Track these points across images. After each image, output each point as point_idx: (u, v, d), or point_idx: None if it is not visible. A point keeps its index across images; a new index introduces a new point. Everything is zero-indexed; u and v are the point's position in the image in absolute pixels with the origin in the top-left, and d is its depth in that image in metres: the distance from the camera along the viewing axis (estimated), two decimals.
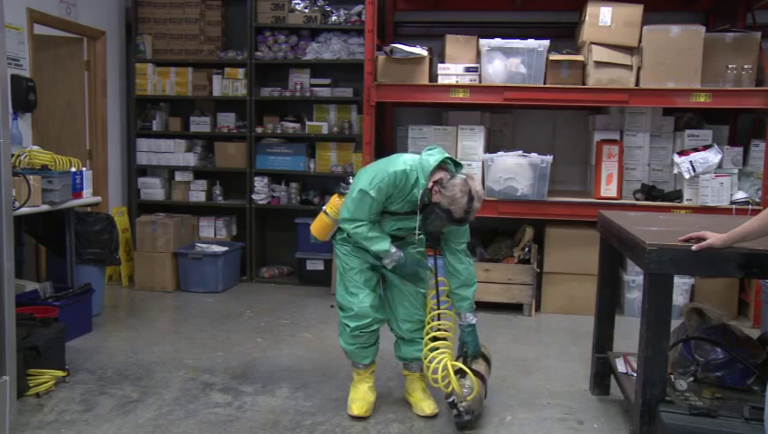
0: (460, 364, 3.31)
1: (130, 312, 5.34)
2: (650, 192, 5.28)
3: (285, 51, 6.25)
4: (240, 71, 6.25)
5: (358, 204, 3.18)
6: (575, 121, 5.97)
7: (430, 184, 3.12)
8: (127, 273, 6.11)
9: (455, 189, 3.05)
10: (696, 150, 5.14)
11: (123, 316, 5.21)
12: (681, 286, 5.18)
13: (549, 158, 5.17)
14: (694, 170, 5.07)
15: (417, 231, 3.24)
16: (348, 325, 3.36)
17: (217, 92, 6.33)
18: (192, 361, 4.19)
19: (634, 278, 5.26)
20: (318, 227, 3.48)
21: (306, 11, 6.18)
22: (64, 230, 4.69)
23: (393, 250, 3.25)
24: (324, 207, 3.46)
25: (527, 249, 5.39)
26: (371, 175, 3.17)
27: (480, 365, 3.43)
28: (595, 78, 5.07)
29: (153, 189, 6.46)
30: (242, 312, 5.31)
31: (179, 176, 6.44)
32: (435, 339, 3.37)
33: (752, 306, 5.10)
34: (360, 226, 3.20)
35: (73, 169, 4.60)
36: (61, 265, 4.75)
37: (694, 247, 2.57)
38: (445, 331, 3.43)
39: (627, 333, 4.08)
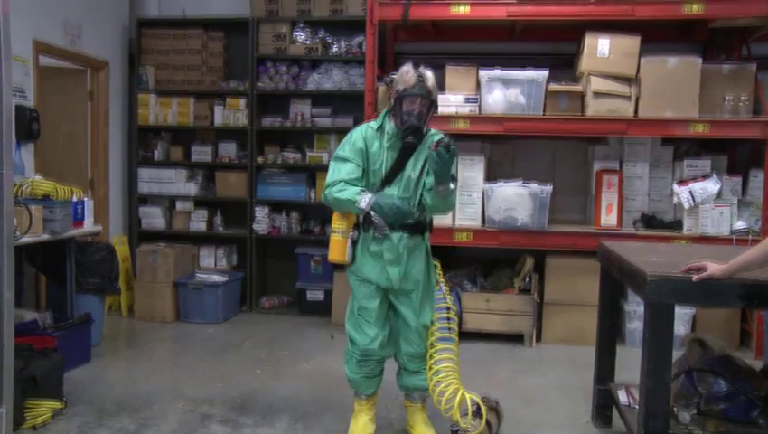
0: (477, 399, 3.30)
1: (129, 342, 5.31)
2: (650, 221, 5.28)
3: (287, 81, 6.29)
4: (242, 101, 6.28)
5: (333, 169, 3.31)
6: (574, 151, 5.96)
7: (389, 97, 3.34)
8: (127, 303, 6.09)
9: (401, 70, 3.28)
10: (695, 180, 5.14)
11: (122, 347, 5.18)
12: (683, 316, 5.14)
13: (549, 188, 5.17)
14: (693, 200, 5.07)
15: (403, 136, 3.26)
16: (355, 354, 3.38)
17: (218, 122, 6.36)
18: (191, 392, 4.15)
19: (635, 308, 5.23)
20: (333, 249, 3.39)
21: (308, 42, 6.23)
22: (64, 259, 4.68)
23: (362, 195, 3.20)
24: (332, 228, 3.43)
25: (527, 279, 5.37)
26: (339, 146, 3.37)
27: (492, 416, 3.41)
28: (594, 108, 5.09)
29: (154, 218, 6.45)
30: (242, 342, 5.27)
31: (180, 205, 6.43)
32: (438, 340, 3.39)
33: (754, 337, 5.06)
34: (334, 186, 3.25)
35: (75, 198, 4.61)
36: (61, 294, 4.73)
37: (695, 277, 2.56)
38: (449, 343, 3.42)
39: (629, 363, 4.02)
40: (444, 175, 3.11)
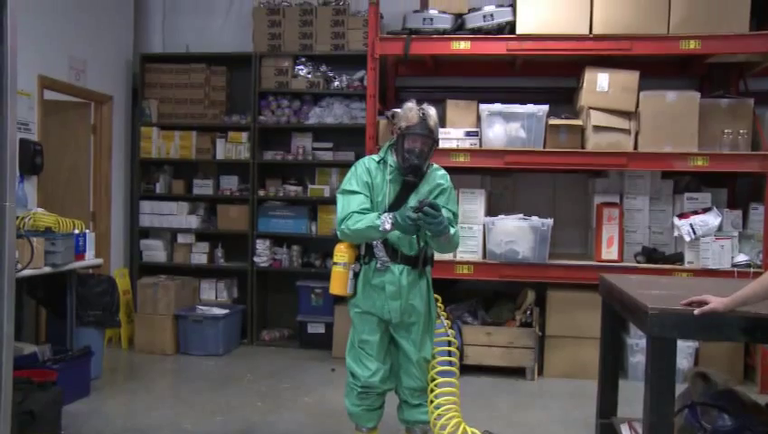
0: None
1: (129, 375, 5.27)
2: (651, 254, 5.27)
3: (288, 115, 6.33)
4: (244, 135, 6.32)
5: (343, 203, 3.29)
6: (575, 184, 5.99)
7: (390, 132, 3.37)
8: (127, 335, 6.06)
9: (404, 108, 3.32)
10: (695, 213, 5.15)
11: (122, 380, 5.14)
12: (685, 349, 5.11)
13: (550, 221, 5.17)
14: (694, 233, 5.08)
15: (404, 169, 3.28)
16: (355, 387, 3.37)
17: (220, 156, 6.39)
18: (190, 426, 4.11)
19: (637, 341, 5.20)
20: (335, 281, 3.38)
21: (309, 77, 6.28)
22: (65, 291, 4.68)
23: (382, 218, 3.17)
24: (333, 260, 3.42)
25: (528, 312, 5.34)
26: (344, 181, 3.39)
27: None
28: (594, 142, 5.12)
29: (155, 251, 6.44)
30: (242, 376, 5.23)
31: (181, 238, 6.43)
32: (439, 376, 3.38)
33: (758, 371, 5.03)
34: (349, 219, 3.22)
35: (76, 231, 4.62)
36: (61, 327, 4.71)
37: (696, 311, 2.54)
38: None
39: (632, 398, 4.00)
40: (440, 230, 3.13)
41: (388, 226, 3.13)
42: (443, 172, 3.46)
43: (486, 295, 5.80)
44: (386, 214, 3.17)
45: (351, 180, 3.34)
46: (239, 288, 6.52)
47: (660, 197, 5.45)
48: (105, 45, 6.20)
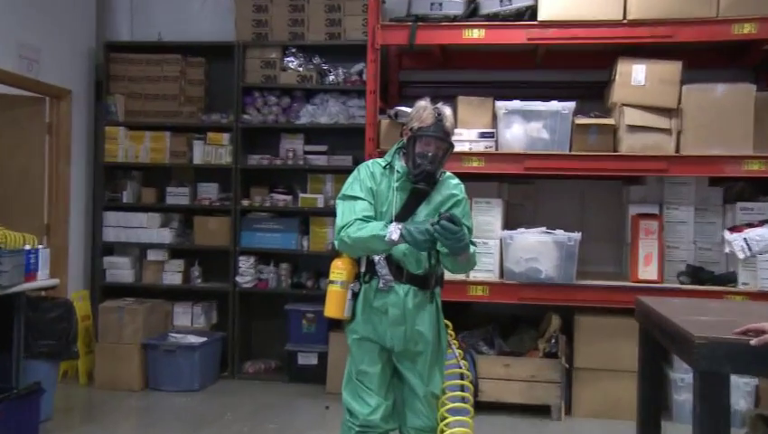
0: None
1: (87, 416, 5.25)
2: (697, 274, 5.21)
3: (276, 113, 6.32)
4: (225, 136, 6.31)
5: (344, 209, 3.30)
6: (606, 193, 5.97)
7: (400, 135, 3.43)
8: (86, 369, 6.00)
9: (417, 106, 3.35)
10: (750, 226, 5.09)
11: (78, 422, 5.10)
12: (743, 387, 5.04)
13: (578, 235, 5.13)
14: (750, 249, 5.00)
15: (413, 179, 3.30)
16: (353, 427, 3.35)
17: (198, 160, 6.38)
18: None
19: (683, 376, 5.12)
20: (331, 302, 3.36)
21: (301, 69, 6.27)
22: (12, 318, 4.59)
23: (390, 227, 3.14)
24: (329, 278, 3.40)
25: (553, 340, 5.31)
26: (345, 186, 3.41)
27: None
28: (629, 144, 5.08)
29: (120, 270, 6.41)
30: (221, 414, 5.20)
31: (152, 255, 6.41)
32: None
33: None
34: (351, 226, 3.21)
35: (27, 247, 4.56)
36: (6, 360, 4.61)
37: (753, 341, 2.47)
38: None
39: None
40: (461, 247, 3.11)
41: (395, 237, 3.09)
42: (457, 181, 3.47)
43: (504, 320, 5.78)
44: (394, 224, 3.15)
45: (354, 184, 3.35)
46: (219, 313, 6.51)
47: (707, 207, 5.41)
48: (63, 31, 6.19)
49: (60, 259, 6.04)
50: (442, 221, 3.01)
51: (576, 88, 5.89)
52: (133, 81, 6.44)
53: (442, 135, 3.28)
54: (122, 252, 6.49)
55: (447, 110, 3.33)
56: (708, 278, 5.19)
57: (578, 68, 5.97)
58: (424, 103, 3.35)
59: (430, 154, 3.26)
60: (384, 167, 3.38)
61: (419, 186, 3.29)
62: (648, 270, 5.20)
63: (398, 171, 3.34)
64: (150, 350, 5.82)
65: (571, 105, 5.18)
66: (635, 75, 5.10)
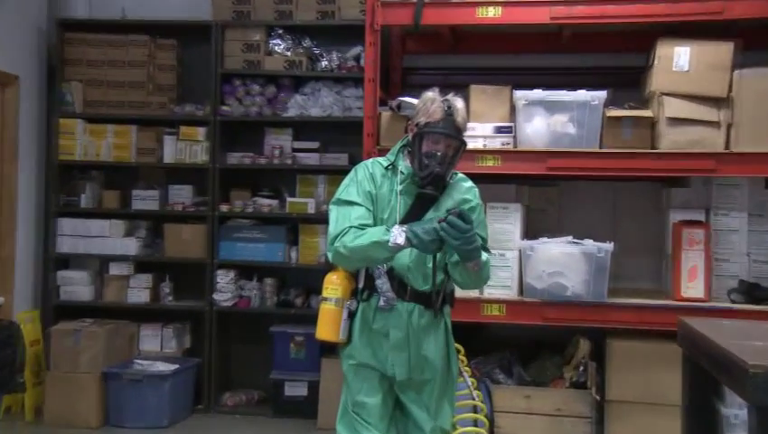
0: None
1: None
2: (751, 292, 5.19)
3: (260, 105, 6.35)
4: (201, 131, 6.33)
5: (338, 215, 3.32)
6: (643, 197, 5.97)
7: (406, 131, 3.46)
8: (34, 403, 5.99)
9: (423, 98, 3.37)
10: None
11: None
12: None
13: (610, 246, 5.10)
14: None
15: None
16: None
17: (169, 158, 6.40)
18: None
19: (736, 412, 5.08)
20: (324, 323, 3.38)
21: (288, 54, 6.28)
22: None
23: (393, 230, 3.13)
24: (321, 295, 3.42)
25: (581, 368, 5.30)
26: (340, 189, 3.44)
27: None
28: (670, 139, 5.06)
29: (77, 286, 6.42)
30: None
31: (114, 269, 6.43)
32: None
33: None
34: (346, 234, 3.22)
35: None
36: None
37: None
38: None
39: None
40: (471, 251, 3.10)
41: (401, 241, 3.09)
42: (470, 184, 3.51)
43: (524, 345, 5.78)
44: (398, 226, 3.16)
45: (350, 188, 3.37)
46: (193, 336, 6.54)
47: (763, 213, 5.39)
48: (7, 6, 6.19)
49: (5, 274, 6.08)
50: (450, 217, 3.02)
51: (608, 74, 5.90)
52: (92, 66, 6.46)
53: (453, 131, 3.29)
54: (79, 266, 6.52)
55: (459, 102, 3.34)
56: (765, 297, 5.17)
57: (610, 51, 5.98)
58: (432, 94, 3.36)
59: (439, 153, 3.27)
60: (386, 168, 3.40)
61: (426, 191, 3.30)
62: (693, 287, 5.18)
63: (401, 172, 3.35)
64: (111, 380, 5.82)
65: (602, 94, 5.14)
66: (678, 59, 5.07)
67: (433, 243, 3.06)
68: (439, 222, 3.04)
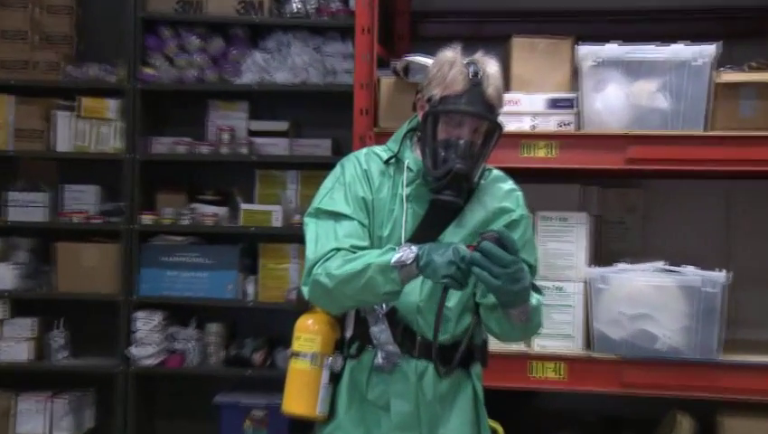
0: None
1: None
2: None
3: (202, 66, 6.34)
4: (112, 105, 6.37)
5: (317, 235, 3.30)
6: None
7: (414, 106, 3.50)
8: None
9: (438, 59, 3.35)
10: None
11: None
12: None
13: (722, 276, 5.07)
14: None
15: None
16: None
17: (64, 144, 6.42)
18: None
19: None
20: (294, 389, 3.37)
21: None
22: None
23: (398, 252, 3.05)
24: (291, 349, 3.41)
25: None
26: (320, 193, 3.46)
27: None
28: None
29: None
30: None
31: None
32: None
33: None
34: (330, 259, 3.19)
35: None
36: None
37: None
38: None
39: None
40: (516, 293, 3.03)
41: (409, 262, 3.02)
42: (510, 185, 3.50)
43: (593, 422, 5.84)
44: (407, 244, 3.11)
45: (335, 192, 3.38)
46: (100, 410, 6.58)
47: None
48: None
49: None
50: (483, 244, 2.92)
51: (719, 19, 5.92)
52: None
53: (481, 108, 3.24)
54: None
55: (491, 65, 3.29)
56: None
57: None
58: (451, 54, 3.32)
59: (462, 141, 3.23)
60: (386, 162, 3.40)
61: (444, 197, 3.24)
62: None
63: (408, 169, 3.36)
64: None
65: (710, 50, 5.11)
66: None
67: (450, 278, 2.96)
68: (468, 247, 2.98)
